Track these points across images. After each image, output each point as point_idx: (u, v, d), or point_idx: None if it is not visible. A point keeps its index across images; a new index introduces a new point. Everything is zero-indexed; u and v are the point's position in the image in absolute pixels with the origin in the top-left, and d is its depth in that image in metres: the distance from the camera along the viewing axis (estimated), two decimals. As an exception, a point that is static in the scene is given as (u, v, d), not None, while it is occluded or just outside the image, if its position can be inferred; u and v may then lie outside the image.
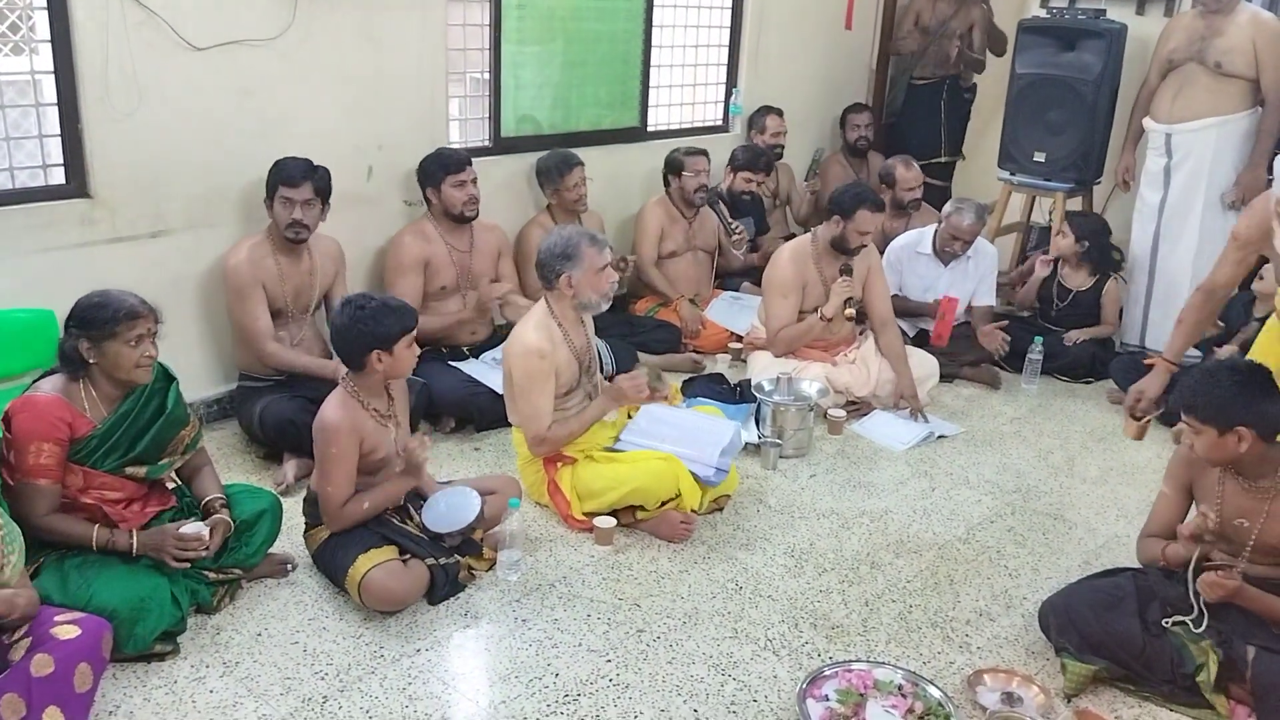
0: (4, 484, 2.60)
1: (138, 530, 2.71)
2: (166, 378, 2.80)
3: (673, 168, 5.11)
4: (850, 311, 4.40)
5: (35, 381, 2.70)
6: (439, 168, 4.21)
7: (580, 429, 3.43)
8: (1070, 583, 3.00)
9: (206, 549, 2.76)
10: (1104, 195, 5.81)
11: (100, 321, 2.61)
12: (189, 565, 2.73)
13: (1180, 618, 2.65)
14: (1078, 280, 5.09)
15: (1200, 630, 2.61)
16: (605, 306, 3.49)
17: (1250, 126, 4.84)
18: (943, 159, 6.19)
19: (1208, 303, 3.19)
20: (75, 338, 2.62)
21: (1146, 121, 5.09)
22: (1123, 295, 5.20)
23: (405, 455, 2.97)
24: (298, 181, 3.67)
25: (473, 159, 4.32)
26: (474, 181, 4.24)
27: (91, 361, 2.63)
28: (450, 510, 3.04)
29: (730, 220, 5.32)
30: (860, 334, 4.63)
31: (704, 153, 5.13)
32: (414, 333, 2.93)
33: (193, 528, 2.73)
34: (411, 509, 3.08)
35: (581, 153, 4.79)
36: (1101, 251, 5.08)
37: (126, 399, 2.70)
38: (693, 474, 3.35)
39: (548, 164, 4.73)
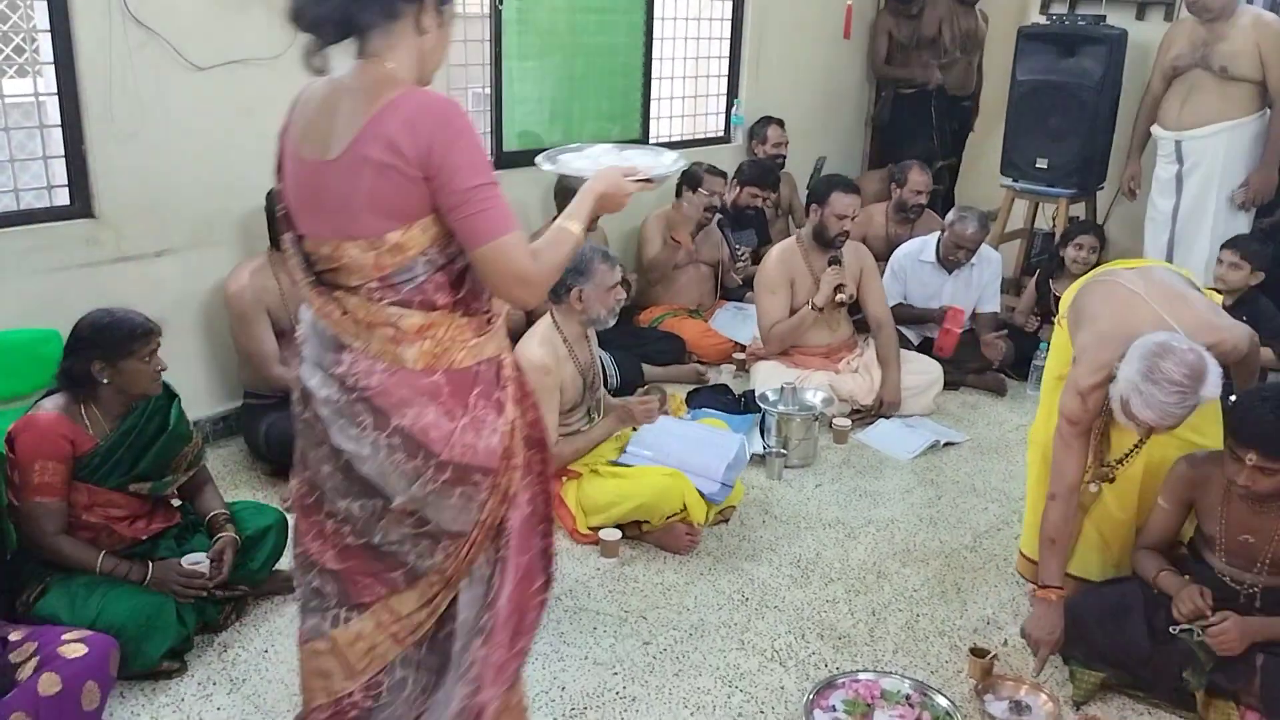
0: (10, 504, 2.61)
1: (150, 561, 2.73)
2: (168, 395, 2.81)
3: (690, 181, 5.06)
4: (842, 297, 4.39)
5: (37, 401, 2.72)
6: None
7: (586, 448, 3.44)
8: (1076, 594, 2.99)
9: (219, 573, 2.77)
10: (1107, 201, 5.81)
11: (115, 341, 2.62)
12: (193, 600, 2.74)
13: (1188, 626, 2.63)
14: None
15: (1201, 638, 2.60)
16: (612, 322, 3.49)
17: (1260, 129, 4.83)
18: (939, 164, 6.19)
19: (1070, 504, 2.76)
20: (87, 359, 2.62)
21: (1155, 129, 5.07)
22: None
23: None
24: None
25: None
26: None
27: (105, 381, 2.64)
28: None
29: (737, 246, 5.33)
30: (863, 341, 4.64)
31: (725, 176, 5.13)
32: None
33: (193, 559, 2.75)
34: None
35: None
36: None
37: (129, 416, 2.72)
38: (697, 489, 3.35)
39: (573, 184, 4.67)
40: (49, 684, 2.21)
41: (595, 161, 2.09)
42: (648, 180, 2.02)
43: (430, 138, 1.72)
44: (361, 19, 1.79)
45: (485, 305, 1.92)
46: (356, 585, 1.95)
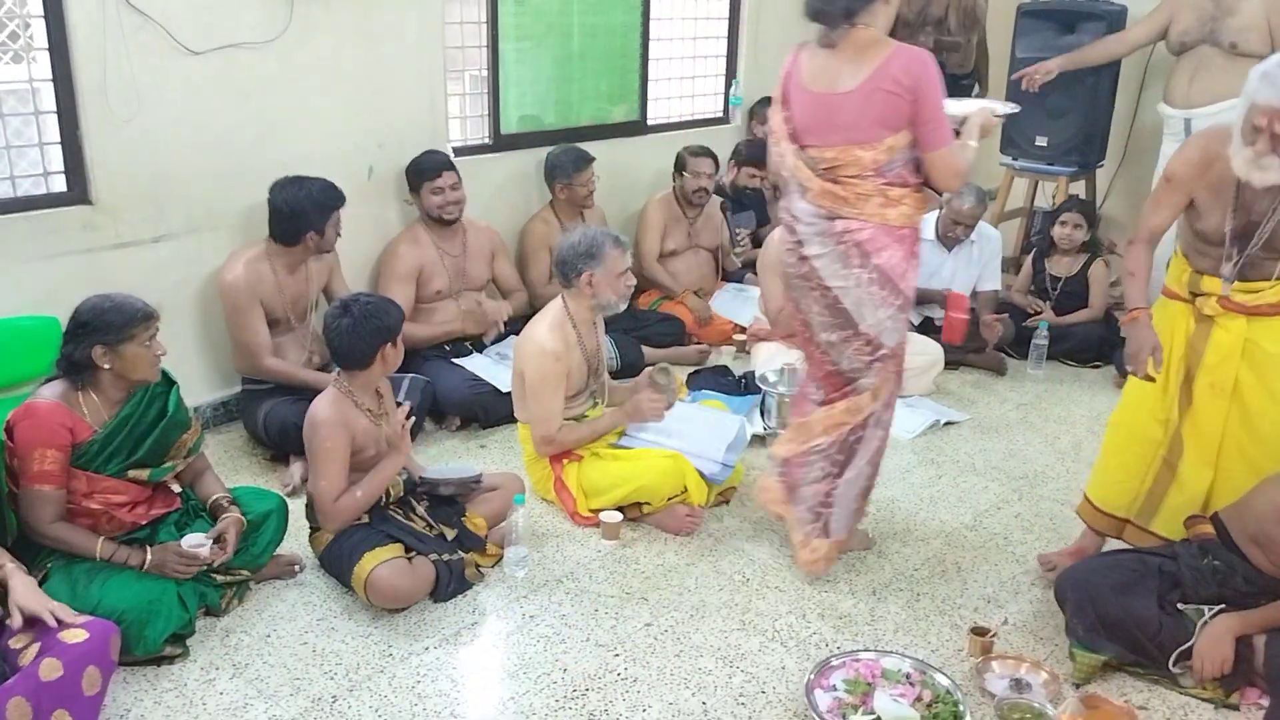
0: (10, 492, 2.62)
1: (150, 546, 2.73)
2: (167, 381, 2.81)
3: (678, 165, 5.08)
4: None
5: (36, 389, 2.71)
6: (417, 174, 4.21)
7: (590, 437, 3.43)
8: (1089, 557, 2.99)
9: (223, 553, 2.78)
10: (1107, 178, 5.78)
11: (117, 325, 2.61)
12: (193, 578, 2.75)
13: (1196, 605, 2.63)
14: (1063, 267, 5.05)
15: (1207, 619, 2.60)
16: (622, 308, 3.48)
17: None
18: None
19: (1150, 251, 2.97)
20: (88, 344, 2.61)
21: (1162, 106, 5.02)
22: (1112, 274, 5.17)
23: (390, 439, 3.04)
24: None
25: (470, 157, 4.30)
26: (453, 186, 4.19)
27: (106, 366, 2.64)
28: (451, 468, 3.10)
29: (736, 230, 5.31)
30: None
31: (709, 154, 5.08)
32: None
33: (193, 540, 2.75)
34: (414, 502, 3.09)
35: (582, 148, 4.78)
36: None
37: (127, 403, 2.71)
38: (698, 471, 3.35)
39: (562, 160, 4.65)
40: (50, 669, 2.22)
41: (963, 106, 3.03)
42: (1001, 116, 3.01)
43: (918, 76, 2.67)
44: (855, 6, 2.74)
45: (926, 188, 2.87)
46: (831, 390, 2.95)
